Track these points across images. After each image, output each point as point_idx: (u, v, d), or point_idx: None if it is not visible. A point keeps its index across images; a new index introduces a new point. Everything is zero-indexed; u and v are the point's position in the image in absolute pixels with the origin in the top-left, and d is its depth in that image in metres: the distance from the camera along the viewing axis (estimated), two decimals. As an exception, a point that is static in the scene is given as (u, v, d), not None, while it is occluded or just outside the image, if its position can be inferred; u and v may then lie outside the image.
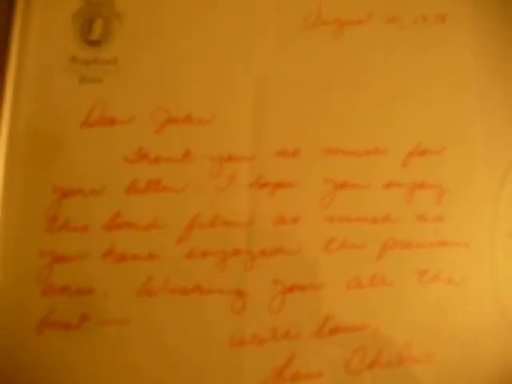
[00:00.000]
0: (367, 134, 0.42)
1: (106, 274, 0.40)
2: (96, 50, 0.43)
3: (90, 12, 0.43)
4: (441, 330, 0.39)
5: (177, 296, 0.39)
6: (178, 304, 0.39)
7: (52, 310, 0.39)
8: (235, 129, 0.41)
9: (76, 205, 0.40)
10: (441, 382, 0.39)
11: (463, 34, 0.43)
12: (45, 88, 0.42)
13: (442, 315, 0.40)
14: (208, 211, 0.40)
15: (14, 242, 0.40)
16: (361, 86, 0.42)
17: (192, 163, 0.41)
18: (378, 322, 0.39)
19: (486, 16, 0.44)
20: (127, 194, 0.40)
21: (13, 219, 0.40)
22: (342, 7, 0.44)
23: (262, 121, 0.41)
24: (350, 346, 0.39)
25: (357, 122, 0.42)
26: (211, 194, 0.40)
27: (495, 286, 0.40)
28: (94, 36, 0.43)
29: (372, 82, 0.43)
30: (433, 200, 0.41)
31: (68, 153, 0.41)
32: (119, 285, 0.40)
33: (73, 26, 0.43)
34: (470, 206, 0.41)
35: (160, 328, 0.39)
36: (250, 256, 0.40)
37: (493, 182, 0.41)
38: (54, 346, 0.39)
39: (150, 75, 0.42)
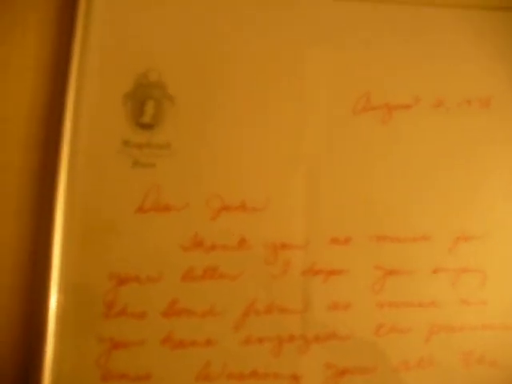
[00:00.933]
0: (414, 221, 0.43)
1: (164, 360, 0.41)
2: (148, 133, 0.43)
3: (142, 94, 0.44)
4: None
5: (234, 381, 0.41)
6: (235, 389, 0.41)
7: (112, 396, 0.40)
8: (288, 217, 0.42)
9: (133, 291, 0.41)
10: None
11: (508, 119, 0.45)
12: (98, 171, 0.42)
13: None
14: (263, 298, 0.41)
15: (72, 327, 0.40)
16: (407, 172, 0.44)
17: (247, 251, 0.42)
18: (426, 401, 0.42)
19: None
20: (184, 281, 0.41)
21: (70, 304, 0.41)
22: (390, 92, 0.44)
23: (313, 208, 0.43)
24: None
25: (404, 209, 0.43)
26: (266, 281, 0.42)
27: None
28: (146, 119, 0.43)
29: (418, 167, 0.44)
30: (476, 284, 0.43)
31: (123, 238, 0.42)
32: (177, 371, 0.41)
33: (124, 108, 0.43)
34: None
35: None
36: (305, 341, 0.41)
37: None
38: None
39: (203, 161, 0.43)
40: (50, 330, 0.40)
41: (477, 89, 0.45)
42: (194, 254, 0.42)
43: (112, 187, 0.42)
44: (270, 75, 0.44)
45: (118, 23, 0.45)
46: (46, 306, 0.40)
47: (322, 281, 0.42)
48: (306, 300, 0.42)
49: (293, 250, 0.42)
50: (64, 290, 0.41)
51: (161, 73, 0.44)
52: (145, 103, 0.44)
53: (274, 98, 0.44)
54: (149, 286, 0.41)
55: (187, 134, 0.43)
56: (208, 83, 0.44)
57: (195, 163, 0.43)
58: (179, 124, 0.43)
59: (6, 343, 0.41)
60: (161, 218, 0.42)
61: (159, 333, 0.41)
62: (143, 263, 0.41)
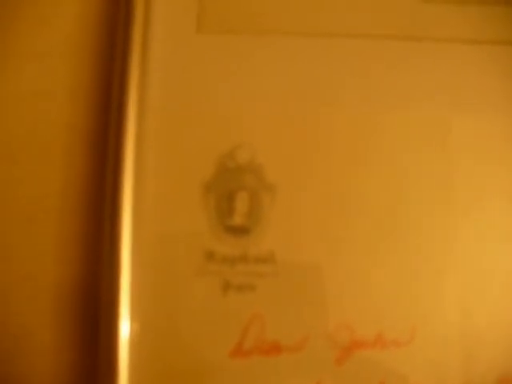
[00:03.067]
0: None
1: None
2: (243, 241, 0.30)
3: (229, 183, 0.31)
4: None
5: None
6: None
7: None
8: (440, 352, 0.31)
9: None
10: None
11: None
12: (174, 299, 0.30)
13: None
14: None
15: None
16: None
17: (391, 402, 0.30)
18: None
19: None
20: None
21: None
22: None
23: (472, 339, 0.31)
24: None
25: None
26: None
27: None
28: (238, 220, 0.31)
29: None
30: None
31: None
32: None
33: (205, 205, 0.30)
34: None
35: None
36: None
37: None
38: None
39: (321, 278, 0.30)
40: None
41: None
42: (317, 409, 0.30)
43: (195, 322, 0.30)
44: (405, 148, 0.32)
45: (184, 77, 0.32)
46: None
47: None
48: None
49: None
50: None
51: (254, 151, 0.31)
52: (234, 197, 0.31)
53: (414, 179, 0.31)
54: None
55: (296, 241, 0.31)
56: (320, 163, 0.31)
57: (311, 281, 0.30)
58: (284, 225, 0.31)
59: None
60: (267, 363, 0.30)
61: None
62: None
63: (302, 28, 0.33)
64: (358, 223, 0.31)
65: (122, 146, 0.30)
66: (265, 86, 0.32)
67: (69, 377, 0.30)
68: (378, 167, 0.31)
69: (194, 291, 0.30)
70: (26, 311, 0.31)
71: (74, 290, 0.31)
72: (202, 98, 0.32)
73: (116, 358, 0.29)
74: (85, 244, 0.31)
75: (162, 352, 0.30)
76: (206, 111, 0.31)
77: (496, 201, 0.32)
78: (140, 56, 0.31)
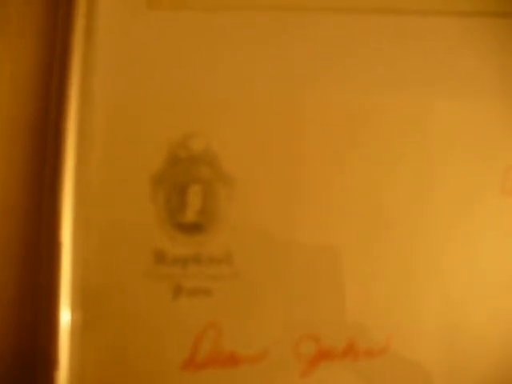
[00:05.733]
0: None
1: None
2: (196, 239, 0.27)
3: (181, 175, 0.27)
4: None
5: None
6: None
7: None
8: (420, 362, 0.27)
9: None
10: None
11: None
12: (119, 305, 0.27)
13: None
14: None
15: None
16: None
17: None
18: None
19: None
20: None
21: None
22: None
23: (454, 338, 0.27)
24: None
25: None
26: None
27: None
28: (191, 216, 0.27)
29: None
30: None
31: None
32: None
33: (154, 199, 0.27)
34: None
35: None
36: None
37: None
38: None
39: (285, 283, 0.27)
40: None
41: None
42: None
43: (143, 331, 0.27)
44: (385, 139, 0.28)
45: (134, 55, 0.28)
46: None
47: None
48: None
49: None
50: None
51: (209, 139, 0.28)
52: (186, 190, 0.27)
53: (388, 178, 0.28)
54: None
55: (257, 239, 0.27)
56: (283, 153, 0.28)
57: (273, 286, 0.27)
58: (243, 222, 0.27)
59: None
60: (224, 376, 0.27)
61: None
62: None
63: (260, 1, 0.29)
64: (328, 222, 0.28)
65: (63, 133, 0.27)
66: (222, 68, 0.29)
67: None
68: (349, 156, 0.28)
69: (141, 295, 0.27)
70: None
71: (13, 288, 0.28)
72: (152, 80, 0.28)
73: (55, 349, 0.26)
74: (25, 240, 0.28)
75: (106, 361, 0.26)
76: (156, 95, 0.28)
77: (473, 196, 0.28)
78: (84, 33, 0.28)
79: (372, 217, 0.28)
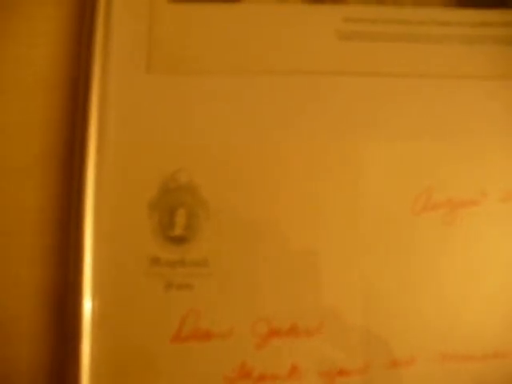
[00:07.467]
0: (486, 336, 0.38)
1: None
2: (181, 248, 0.37)
3: (171, 201, 0.37)
4: None
5: None
6: None
7: None
8: (344, 339, 0.37)
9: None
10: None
11: None
12: (125, 297, 0.37)
13: None
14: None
15: None
16: (475, 279, 0.38)
17: (300, 380, 0.37)
18: None
19: None
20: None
21: None
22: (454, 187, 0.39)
23: (372, 327, 0.37)
24: None
25: (477, 321, 0.38)
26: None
27: None
28: (178, 231, 0.37)
29: (489, 273, 0.39)
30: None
31: (159, 371, 0.37)
32: None
33: (150, 219, 0.37)
34: None
35: None
36: None
37: None
38: None
39: (247, 279, 0.37)
40: None
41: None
42: (241, 386, 0.37)
43: (142, 314, 0.37)
44: (319, 173, 0.38)
45: (134, 113, 0.38)
46: None
47: (384, 410, 0.38)
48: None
49: (352, 377, 0.37)
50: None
51: (192, 174, 0.38)
52: (175, 212, 0.37)
53: (325, 202, 0.38)
54: (191, 423, 0.37)
55: (227, 248, 0.37)
56: (247, 183, 0.38)
57: (237, 282, 0.37)
58: (217, 235, 0.37)
59: None
60: (201, 347, 0.37)
61: None
62: (184, 399, 0.37)
63: (237, 68, 0.39)
64: (274, 236, 0.37)
65: (85, 172, 0.37)
66: (203, 120, 0.38)
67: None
68: (293, 190, 0.38)
69: (141, 289, 0.37)
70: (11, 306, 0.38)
71: (48, 287, 0.38)
72: (149, 130, 0.38)
73: (80, 333, 0.36)
74: (55, 252, 0.38)
75: (117, 336, 0.37)
76: (152, 141, 0.38)
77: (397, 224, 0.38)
78: (99, 96, 0.38)
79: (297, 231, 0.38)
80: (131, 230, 0.37)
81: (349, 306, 0.37)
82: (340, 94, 0.39)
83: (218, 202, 0.37)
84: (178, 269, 0.37)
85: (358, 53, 0.40)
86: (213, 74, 0.39)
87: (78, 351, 0.36)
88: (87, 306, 0.36)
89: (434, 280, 0.38)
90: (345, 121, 0.39)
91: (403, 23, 0.40)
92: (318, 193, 0.38)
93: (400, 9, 0.40)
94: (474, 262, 0.38)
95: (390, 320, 0.38)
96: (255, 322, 0.37)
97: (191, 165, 0.38)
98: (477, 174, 0.39)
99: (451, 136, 0.39)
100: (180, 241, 0.37)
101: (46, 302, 0.38)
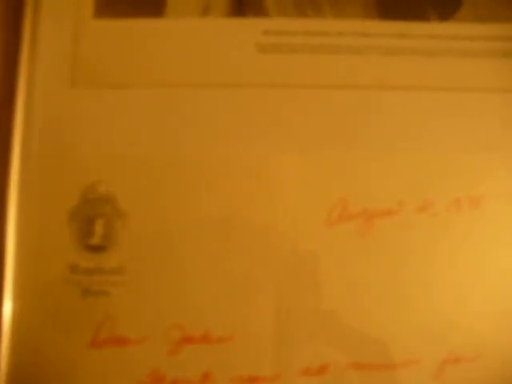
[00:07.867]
0: (399, 345, 0.39)
1: None
2: (99, 256, 0.38)
3: (90, 210, 0.39)
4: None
5: None
6: None
7: None
8: (256, 347, 0.38)
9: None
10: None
11: (500, 220, 0.39)
12: (44, 302, 0.38)
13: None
14: None
15: None
16: (392, 290, 0.39)
17: (212, 386, 0.38)
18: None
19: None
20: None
21: None
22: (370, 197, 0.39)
23: (283, 336, 0.38)
24: None
25: (386, 332, 0.39)
26: (234, 419, 0.38)
27: None
28: (96, 240, 0.39)
29: (404, 284, 0.39)
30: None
31: (77, 377, 0.38)
32: None
33: (70, 228, 0.39)
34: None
35: None
36: None
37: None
38: None
39: (161, 287, 0.38)
40: None
41: (467, 188, 0.39)
42: (154, 395, 0.38)
43: (61, 320, 0.38)
44: (233, 185, 0.39)
45: (58, 125, 0.40)
46: None
47: (295, 418, 0.38)
48: None
49: (261, 383, 0.38)
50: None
51: (110, 185, 0.39)
52: (94, 222, 0.39)
53: (239, 214, 0.39)
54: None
55: (143, 257, 0.39)
56: (164, 195, 0.39)
57: (153, 290, 0.38)
58: (133, 245, 0.39)
59: None
60: (117, 353, 0.38)
61: None
62: (99, 403, 0.38)
63: (159, 82, 0.40)
64: (188, 245, 0.38)
65: (8, 182, 0.39)
66: (124, 133, 0.39)
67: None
68: (208, 200, 0.39)
69: (60, 295, 0.38)
70: None
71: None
72: (72, 142, 0.39)
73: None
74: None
75: (36, 340, 0.38)
76: (74, 153, 0.39)
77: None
78: (24, 109, 0.39)
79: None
80: (52, 237, 0.39)
81: (260, 314, 0.38)
82: (257, 105, 0.40)
83: (135, 213, 0.39)
84: (95, 276, 0.38)
85: (277, 65, 0.41)
86: (135, 87, 0.40)
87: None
88: (7, 307, 0.38)
89: (347, 291, 0.38)
90: (258, 133, 0.40)
91: (323, 35, 0.41)
92: (232, 205, 0.39)
93: (321, 21, 0.41)
94: (391, 272, 0.39)
95: (302, 329, 0.38)
96: (168, 328, 0.38)
97: (111, 176, 0.39)
98: (393, 183, 0.39)
99: (366, 147, 0.39)
100: (98, 249, 0.38)
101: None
